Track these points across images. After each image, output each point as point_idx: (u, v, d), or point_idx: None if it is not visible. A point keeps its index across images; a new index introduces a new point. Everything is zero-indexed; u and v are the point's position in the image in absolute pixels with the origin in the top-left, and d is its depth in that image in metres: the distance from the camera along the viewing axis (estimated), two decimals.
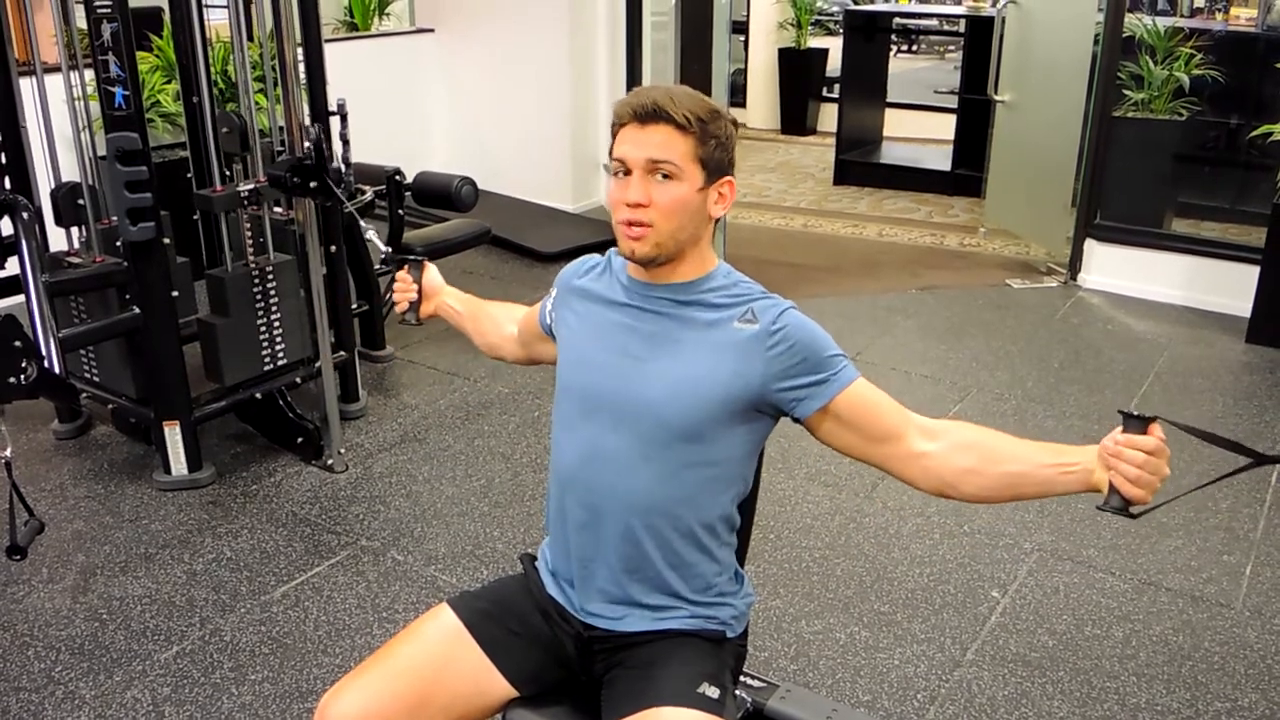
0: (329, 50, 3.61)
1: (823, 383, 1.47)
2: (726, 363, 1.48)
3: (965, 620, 2.66)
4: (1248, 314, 4.47)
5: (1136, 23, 5.16)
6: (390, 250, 2.04)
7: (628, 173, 1.46)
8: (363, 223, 2.17)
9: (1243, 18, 5.58)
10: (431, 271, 1.99)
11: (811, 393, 1.47)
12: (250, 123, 3.38)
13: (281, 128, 3.42)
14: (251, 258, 3.45)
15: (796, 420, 1.52)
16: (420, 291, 1.96)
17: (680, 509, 1.52)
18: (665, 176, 1.45)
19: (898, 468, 1.49)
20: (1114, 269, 5.04)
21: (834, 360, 1.48)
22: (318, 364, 3.41)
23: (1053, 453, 1.40)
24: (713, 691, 1.47)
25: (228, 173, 3.50)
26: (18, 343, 2.43)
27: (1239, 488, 3.27)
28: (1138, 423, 1.31)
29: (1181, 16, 6.16)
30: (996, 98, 5.66)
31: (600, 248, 1.70)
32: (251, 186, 3.26)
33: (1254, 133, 4.81)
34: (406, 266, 1.95)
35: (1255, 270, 4.44)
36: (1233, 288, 4.66)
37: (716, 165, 1.48)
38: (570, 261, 1.71)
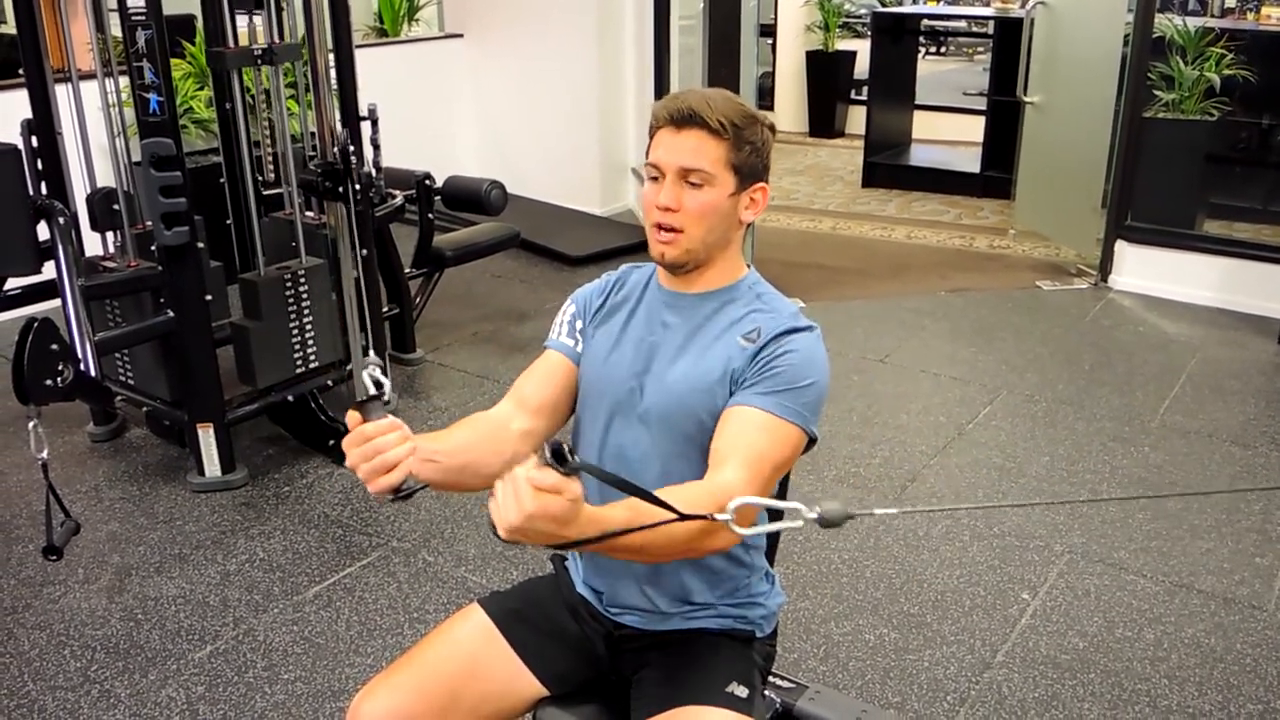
0: (359, 56, 3.65)
1: (748, 385, 1.43)
2: (728, 375, 1.47)
3: (995, 622, 2.65)
4: None
5: (1167, 23, 5.11)
6: (381, 391, 1.58)
7: (661, 176, 1.46)
8: (370, 362, 1.81)
9: (1274, 17, 5.52)
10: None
11: (740, 391, 1.43)
12: (281, 124, 3.41)
13: (313, 133, 3.46)
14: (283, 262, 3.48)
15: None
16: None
17: None
18: (697, 183, 1.45)
19: None
20: (1145, 270, 4.99)
21: (781, 389, 1.42)
22: (349, 367, 3.45)
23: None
24: (742, 691, 1.47)
25: (260, 176, 3.54)
26: (54, 346, 2.47)
27: (1274, 495, 3.23)
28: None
29: (1212, 16, 6.09)
30: (1026, 99, 5.62)
31: (628, 251, 1.70)
32: (263, 48, 3.26)
33: None
34: (361, 414, 1.32)
35: None
36: (1266, 289, 4.61)
37: (750, 170, 1.48)
38: (584, 284, 1.69)
